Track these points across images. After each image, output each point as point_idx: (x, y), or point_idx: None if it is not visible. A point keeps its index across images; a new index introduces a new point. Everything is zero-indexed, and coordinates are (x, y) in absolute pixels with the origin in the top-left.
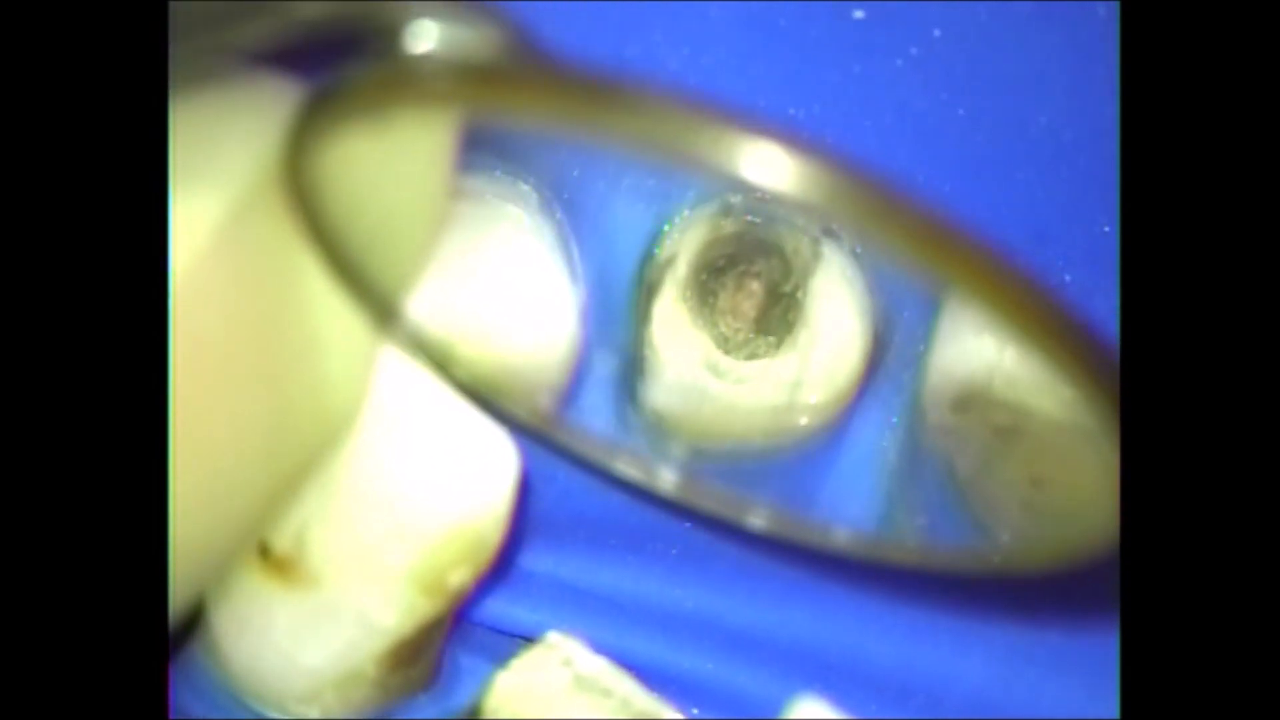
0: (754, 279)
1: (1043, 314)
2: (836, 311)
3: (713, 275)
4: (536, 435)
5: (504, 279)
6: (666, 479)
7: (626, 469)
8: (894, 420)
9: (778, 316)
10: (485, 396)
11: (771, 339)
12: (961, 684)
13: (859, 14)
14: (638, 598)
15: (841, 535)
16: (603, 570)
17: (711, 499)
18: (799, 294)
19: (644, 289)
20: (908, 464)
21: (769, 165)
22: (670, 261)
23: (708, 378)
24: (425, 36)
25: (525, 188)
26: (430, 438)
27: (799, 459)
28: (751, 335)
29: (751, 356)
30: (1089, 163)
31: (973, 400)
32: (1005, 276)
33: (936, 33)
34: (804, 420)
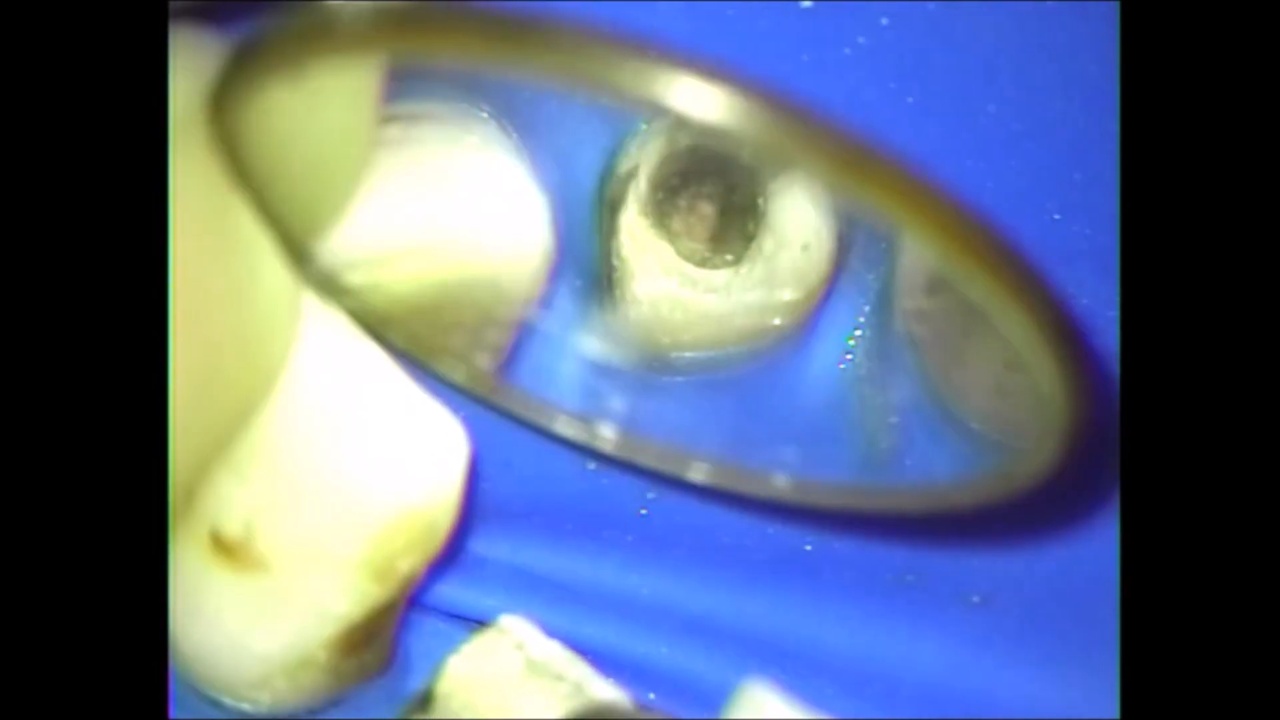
0: (705, 200)
1: (971, 237)
2: (800, 213)
3: (668, 196)
4: (475, 398)
5: (473, 194)
6: (605, 436)
7: (565, 429)
8: (860, 321)
9: (737, 230)
10: (423, 361)
11: (729, 256)
12: (917, 672)
13: (807, 3)
14: (592, 583)
15: (780, 482)
16: (558, 555)
17: (650, 454)
18: (760, 201)
19: (607, 204)
20: (878, 364)
21: (686, 93)
22: (631, 175)
23: (678, 287)
24: None
25: (482, 112)
26: (379, 423)
27: (768, 367)
28: (709, 254)
29: (715, 270)
30: (1038, 150)
31: (946, 280)
32: (932, 200)
33: (884, 21)
34: (777, 320)
